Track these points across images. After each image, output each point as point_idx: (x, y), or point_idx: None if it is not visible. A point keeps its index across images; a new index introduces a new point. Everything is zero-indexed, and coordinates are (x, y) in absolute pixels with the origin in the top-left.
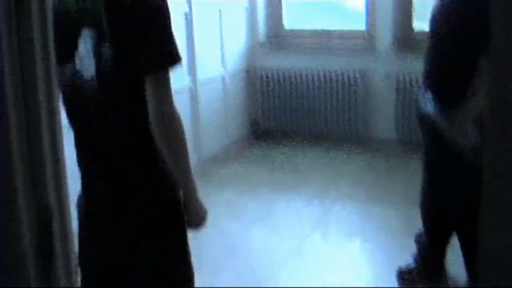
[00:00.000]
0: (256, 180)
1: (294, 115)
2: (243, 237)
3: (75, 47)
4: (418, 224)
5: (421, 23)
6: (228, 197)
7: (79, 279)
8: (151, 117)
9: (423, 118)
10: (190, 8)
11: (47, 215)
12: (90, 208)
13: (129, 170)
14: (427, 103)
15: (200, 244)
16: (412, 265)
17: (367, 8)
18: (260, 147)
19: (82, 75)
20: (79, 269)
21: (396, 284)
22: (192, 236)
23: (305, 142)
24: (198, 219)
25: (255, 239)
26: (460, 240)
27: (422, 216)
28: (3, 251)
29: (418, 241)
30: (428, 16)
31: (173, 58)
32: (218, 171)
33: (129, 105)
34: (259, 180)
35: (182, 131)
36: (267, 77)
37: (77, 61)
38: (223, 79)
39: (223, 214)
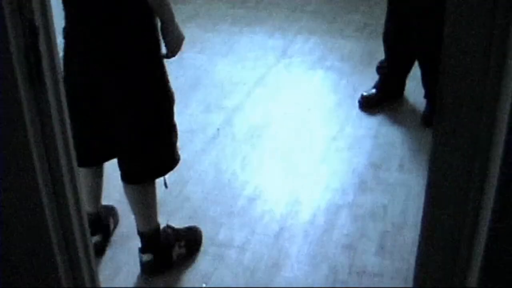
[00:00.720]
0: (218, 16)
1: None
2: (208, 69)
3: None
4: (378, 55)
5: None
6: (191, 33)
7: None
8: None
9: None
10: None
11: (33, 31)
12: (72, 38)
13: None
14: None
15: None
16: (373, 91)
17: None
18: None
19: None
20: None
21: (357, 108)
22: None
23: None
24: (176, 44)
25: (220, 71)
26: (421, 67)
27: (385, 45)
28: None
29: (379, 69)
30: None
31: None
32: (179, 8)
33: None
34: (221, 16)
35: None
36: None
37: None
38: None
39: (186, 49)
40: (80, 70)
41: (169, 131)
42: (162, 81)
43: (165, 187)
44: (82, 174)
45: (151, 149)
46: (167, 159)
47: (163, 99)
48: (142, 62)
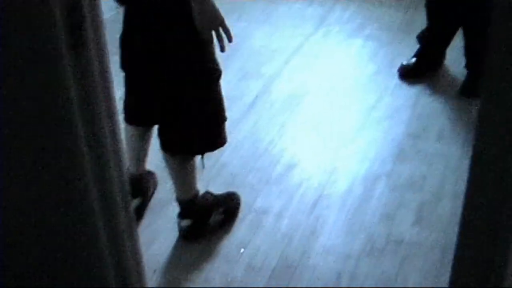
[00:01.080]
0: None
1: None
2: (246, 37)
3: None
4: (418, 25)
5: None
6: (230, 1)
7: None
8: None
9: None
10: None
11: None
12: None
13: None
14: None
15: None
16: (413, 61)
17: None
18: None
19: None
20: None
21: (396, 78)
22: None
23: None
24: (212, 24)
25: (258, 39)
26: (465, 35)
27: (428, 12)
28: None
29: (421, 38)
30: None
31: None
32: None
33: None
34: None
35: None
36: None
37: None
38: None
39: (225, 17)
40: (135, 39)
41: (211, 109)
42: (203, 57)
43: (202, 167)
44: (130, 135)
45: (189, 123)
46: (207, 137)
47: (204, 75)
48: (180, 39)
